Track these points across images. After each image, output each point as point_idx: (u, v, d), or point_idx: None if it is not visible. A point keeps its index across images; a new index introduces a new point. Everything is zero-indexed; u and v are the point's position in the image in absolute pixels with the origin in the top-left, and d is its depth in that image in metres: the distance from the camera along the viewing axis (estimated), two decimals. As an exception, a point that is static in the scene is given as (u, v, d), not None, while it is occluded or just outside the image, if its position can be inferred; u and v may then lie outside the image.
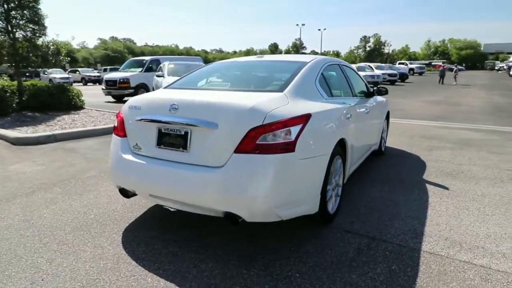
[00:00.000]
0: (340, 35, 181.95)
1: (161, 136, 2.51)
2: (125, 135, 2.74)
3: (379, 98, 4.92)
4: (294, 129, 2.26)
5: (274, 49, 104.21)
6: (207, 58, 78.96)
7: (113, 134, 2.91)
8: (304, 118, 2.35)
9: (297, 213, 2.40)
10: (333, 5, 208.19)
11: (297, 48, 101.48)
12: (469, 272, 2.25)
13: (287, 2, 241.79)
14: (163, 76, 10.71)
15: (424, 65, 42.66)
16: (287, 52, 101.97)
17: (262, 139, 2.17)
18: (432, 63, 58.20)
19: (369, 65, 27.74)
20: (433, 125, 8.34)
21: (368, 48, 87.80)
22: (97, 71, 37.92)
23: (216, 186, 2.23)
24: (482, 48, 74.30)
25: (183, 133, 2.41)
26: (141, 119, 2.59)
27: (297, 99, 2.56)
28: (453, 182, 4.07)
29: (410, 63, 41.10)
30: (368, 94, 4.34)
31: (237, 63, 3.60)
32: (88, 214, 3.17)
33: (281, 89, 2.63)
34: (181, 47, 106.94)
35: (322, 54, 77.25)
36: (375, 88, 4.64)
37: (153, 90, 12.79)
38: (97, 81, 32.32)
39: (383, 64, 33.52)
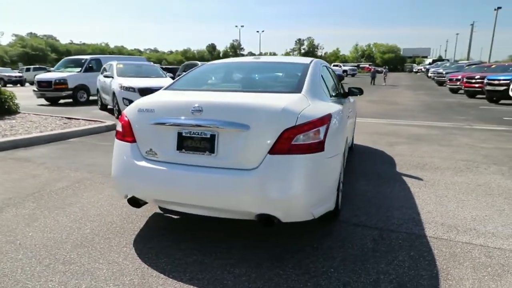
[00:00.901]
0: (276, 37, 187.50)
1: (182, 140, 2.40)
2: (134, 140, 2.56)
3: (351, 98, 5.23)
4: (322, 129, 2.33)
5: (212, 49, 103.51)
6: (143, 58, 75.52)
7: (116, 139, 2.69)
8: (328, 118, 2.43)
9: (324, 210, 2.48)
10: (269, 7, 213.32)
11: (235, 49, 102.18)
12: (474, 252, 2.54)
13: (223, 3, 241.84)
14: (112, 77, 10.01)
15: (355, 67, 46.04)
16: (225, 52, 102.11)
17: (296, 140, 2.20)
18: (360, 66, 62.93)
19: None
20: (383, 123, 9.08)
21: (303, 51, 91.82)
22: (18, 71, 33.97)
23: (251, 188, 2.20)
24: (401, 52, 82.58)
25: (209, 136, 2.33)
26: (157, 123, 2.44)
27: (314, 99, 2.64)
28: (423, 173, 4.51)
29: (344, 65, 44.01)
30: (344, 94, 4.60)
31: (238, 64, 3.56)
32: (83, 229, 2.88)
33: (298, 90, 2.68)
34: (111, 45, 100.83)
35: (260, 55, 78.94)
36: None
37: (98, 92, 11.91)
38: (18, 82, 28.98)
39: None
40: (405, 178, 4.32)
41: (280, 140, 2.20)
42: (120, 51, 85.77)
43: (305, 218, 2.32)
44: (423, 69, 43.33)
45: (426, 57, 78.46)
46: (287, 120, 2.23)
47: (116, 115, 9.52)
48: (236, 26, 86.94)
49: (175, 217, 3.13)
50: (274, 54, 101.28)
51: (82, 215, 3.16)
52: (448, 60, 46.41)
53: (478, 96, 15.71)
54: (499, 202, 3.49)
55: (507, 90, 11.98)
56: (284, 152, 2.20)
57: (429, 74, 31.10)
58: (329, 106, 2.72)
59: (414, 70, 58.49)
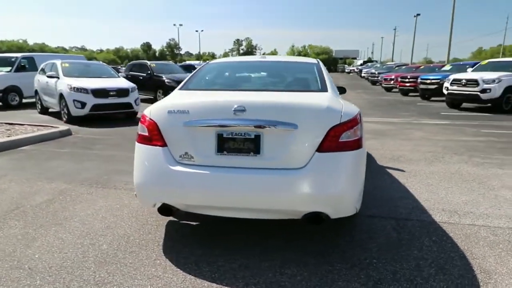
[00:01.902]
0: (215, 37, 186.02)
1: (223, 142, 2.30)
2: (164, 144, 2.39)
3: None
4: (359, 126, 2.42)
5: (147, 48, 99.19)
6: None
7: (139, 144, 2.49)
8: (360, 116, 2.53)
9: (360, 204, 2.57)
10: (209, 7, 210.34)
11: (172, 48, 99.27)
12: (481, 232, 2.84)
13: (160, 0, 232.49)
14: (57, 77, 9.08)
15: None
16: (162, 52, 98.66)
17: (343, 137, 2.26)
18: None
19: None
20: (342, 120, 9.59)
21: (241, 51, 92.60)
22: None
23: (302, 187, 2.21)
24: (334, 54, 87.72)
25: (253, 136, 2.27)
26: (193, 125, 2.31)
27: (339, 98, 2.72)
28: (402, 165, 4.89)
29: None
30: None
31: (249, 63, 3.50)
32: (98, 245, 2.61)
33: (324, 89, 2.74)
34: (30, 42, 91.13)
35: (199, 56, 77.71)
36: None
37: (36, 93, 10.70)
38: None
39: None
40: (389, 170, 4.65)
41: (327, 138, 2.24)
42: (42, 49, 77.84)
43: (351, 213, 2.39)
44: (355, 70, 46.61)
45: (355, 58, 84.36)
46: (332, 118, 2.27)
47: (65, 119, 8.69)
48: (174, 24, 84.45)
49: (194, 223, 2.99)
50: (214, 54, 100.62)
51: (87, 230, 2.85)
52: (376, 62, 50.56)
53: (411, 94, 17.41)
54: (476, 187, 3.94)
55: (438, 88, 13.47)
56: (332, 149, 2.24)
57: (363, 74, 33.50)
58: (350, 104, 2.82)
59: (346, 70, 62.48)
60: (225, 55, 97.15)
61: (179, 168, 2.32)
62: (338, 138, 2.25)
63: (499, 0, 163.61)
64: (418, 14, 41.75)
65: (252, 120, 2.25)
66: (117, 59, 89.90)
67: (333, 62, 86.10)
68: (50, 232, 2.82)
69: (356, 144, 2.32)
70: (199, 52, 74.71)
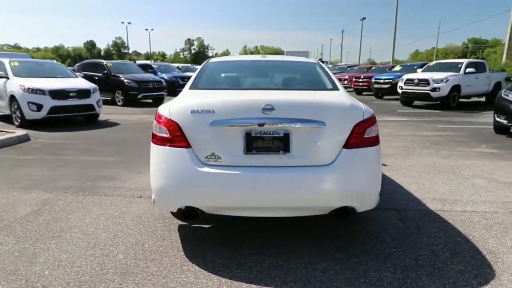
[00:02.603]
0: (166, 36, 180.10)
1: (252, 141, 2.28)
2: (188, 145, 2.30)
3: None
4: (376, 123, 2.53)
5: (91, 47, 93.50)
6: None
7: (158, 146, 2.37)
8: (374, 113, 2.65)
9: None
10: (158, 5, 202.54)
11: (119, 47, 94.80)
12: (473, 217, 3.12)
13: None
14: (6, 77, 8.23)
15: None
16: (107, 51, 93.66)
17: (367, 133, 2.36)
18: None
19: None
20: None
21: (193, 51, 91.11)
22: None
23: (333, 183, 2.27)
24: (285, 55, 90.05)
25: (282, 135, 2.28)
26: (221, 124, 2.26)
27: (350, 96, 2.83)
28: (382, 160, 5.17)
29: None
30: None
31: (254, 63, 3.47)
32: (112, 256, 2.44)
33: (335, 88, 2.82)
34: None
35: (148, 55, 75.02)
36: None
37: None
38: None
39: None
40: (372, 165, 4.89)
41: (353, 135, 2.32)
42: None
43: (374, 206, 2.49)
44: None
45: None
46: (356, 115, 2.35)
47: (17, 123, 7.94)
48: (123, 22, 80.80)
49: (206, 226, 2.91)
50: (164, 54, 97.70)
51: (93, 240, 2.66)
52: (327, 62, 52.65)
53: (364, 93, 18.42)
54: (453, 177, 4.31)
55: (391, 87, 14.42)
56: (358, 145, 2.32)
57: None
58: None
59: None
60: (176, 55, 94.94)
61: (206, 169, 2.25)
62: (362, 134, 2.34)
63: (432, 7, 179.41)
64: (364, 18, 44.26)
65: (282, 119, 2.26)
66: (57, 58, 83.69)
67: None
68: (50, 245, 2.57)
69: (376, 140, 2.43)
70: (150, 52, 72.13)
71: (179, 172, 2.28)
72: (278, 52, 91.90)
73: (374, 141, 2.39)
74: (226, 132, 2.28)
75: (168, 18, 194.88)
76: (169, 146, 2.33)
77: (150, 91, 13.03)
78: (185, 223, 2.95)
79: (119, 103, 12.77)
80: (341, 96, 2.55)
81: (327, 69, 3.23)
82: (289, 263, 2.36)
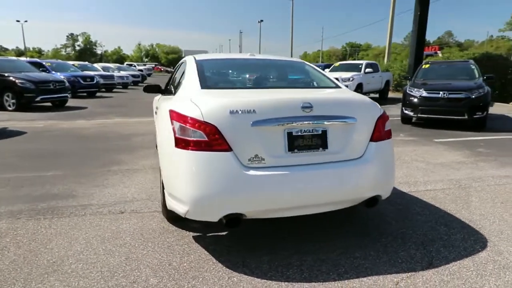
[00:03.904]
0: (43, 29, 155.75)
1: (293, 140, 2.26)
2: (229, 148, 2.15)
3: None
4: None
5: None
6: None
7: (192, 152, 2.15)
8: None
9: None
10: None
11: (-22, 41, 78.91)
12: (439, 194, 3.69)
13: None
14: None
15: (152, 67, 45.61)
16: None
17: (386, 127, 2.58)
18: (147, 65, 62.67)
19: (104, 66, 26.15)
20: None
21: (77, 47, 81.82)
22: None
23: (367, 175, 2.42)
24: (183, 54, 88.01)
25: (320, 132, 2.32)
26: (264, 124, 2.17)
27: None
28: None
29: (138, 65, 42.67)
30: None
31: (249, 61, 3.34)
32: (144, 282, 2.12)
33: (338, 86, 2.98)
34: None
35: (21, 51, 64.25)
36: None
37: None
38: None
39: (110, 65, 32.14)
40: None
41: (376, 129, 2.51)
42: None
43: (390, 193, 2.72)
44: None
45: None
46: (377, 110, 2.55)
47: None
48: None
49: (222, 233, 2.75)
50: (40, 50, 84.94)
51: (104, 268, 2.25)
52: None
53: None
54: (400, 162, 4.97)
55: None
56: (381, 138, 2.52)
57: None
58: None
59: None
60: (56, 51, 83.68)
61: (252, 172, 2.15)
62: (383, 127, 2.55)
63: (318, 14, 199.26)
64: (262, 20, 46.56)
65: (320, 116, 2.30)
66: None
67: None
68: (53, 283, 2.08)
69: (391, 133, 2.67)
70: (25, 47, 61.76)
71: (223, 178, 2.12)
72: (176, 50, 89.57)
73: (390, 134, 2.63)
74: (268, 132, 2.22)
75: (45, 8, 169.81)
76: (207, 150, 2.13)
77: (51, 93, 11.26)
78: (198, 234, 2.73)
79: (10, 108, 10.71)
80: (355, 94, 2.72)
81: (316, 67, 3.38)
82: (330, 256, 2.42)
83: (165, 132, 2.50)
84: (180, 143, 2.21)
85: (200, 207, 2.17)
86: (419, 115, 7.95)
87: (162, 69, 55.43)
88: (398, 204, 3.38)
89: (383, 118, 2.57)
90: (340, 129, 2.39)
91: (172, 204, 2.43)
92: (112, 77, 19.94)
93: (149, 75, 43.40)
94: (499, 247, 2.56)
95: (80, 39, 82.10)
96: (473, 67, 8.73)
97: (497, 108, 11.51)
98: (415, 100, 7.97)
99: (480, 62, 9.31)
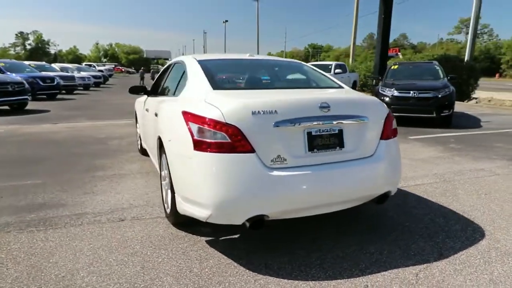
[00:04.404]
0: None
1: (312, 140, 2.28)
2: (252, 150, 2.13)
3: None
4: None
5: None
6: None
7: (213, 154, 2.10)
8: None
9: None
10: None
11: None
12: (428, 188, 3.89)
13: None
14: None
15: (112, 67, 43.74)
16: None
17: (393, 125, 2.68)
18: (106, 66, 60.33)
19: (63, 66, 24.69)
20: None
21: (28, 46, 76.73)
22: None
23: (381, 172, 2.50)
24: (144, 54, 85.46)
25: (337, 131, 2.36)
26: (285, 125, 2.17)
27: None
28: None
29: (98, 65, 40.76)
30: None
31: (253, 61, 3.32)
32: (161, 280, 2.04)
33: (341, 86, 3.05)
34: None
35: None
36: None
37: None
38: None
39: (68, 66, 30.51)
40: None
41: (385, 127, 2.60)
42: None
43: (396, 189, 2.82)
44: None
45: (167, 59, 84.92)
46: (384, 109, 2.64)
47: None
48: None
49: (235, 236, 2.72)
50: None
51: (122, 280, 2.14)
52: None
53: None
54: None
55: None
56: (389, 136, 2.62)
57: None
58: None
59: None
60: (4, 51, 77.84)
61: (276, 173, 2.14)
62: (391, 126, 2.65)
63: (282, 15, 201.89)
64: (226, 21, 46.40)
65: (337, 116, 2.35)
66: None
67: (145, 62, 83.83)
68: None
69: (397, 131, 2.78)
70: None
71: (248, 180, 2.09)
72: (137, 50, 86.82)
73: (396, 132, 2.74)
74: (289, 133, 2.22)
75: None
76: (231, 152, 2.09)
77: (9, 95, 10.45)
78: (210, 238, 2.67)
79: (-38, 112, 9.83)
80: (362, 94, 2.80)
81: (314, 68, 3.43)
82: (347, 253, 2.47)
83: (176, 134, 2.42)
84: (200, 146, 2.15)
85: (225, 210, 2.13)
86: (391, 113, 8.31)
87: (123, 70, 53.46)
88: (396, 199, 3.52)
89: (390, 117, 2.67)
90: (354, 128, 2.45)
91: (188, 209, 2.35)
92: (72, 78, 18.93)
93: (110, 76, 41.73)
94: (495, 235, 2.75)
95: (31, 37, 77.01)
96: (438, 68, 9.30)
97: (455, 106, 12.35)
98: (387, 99, 8.34)
99: (439, 63, 9.92)
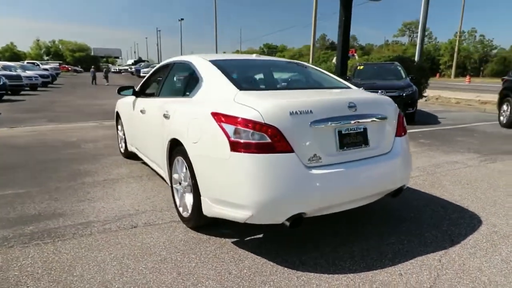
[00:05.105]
0: None
1: (342, 138, 2.37)
2: (292, 150, 2.16)
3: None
4: None
5: None
6: None
7: (251, 155, 2.11)
8: None
9: None
10: None
11: None
12: (418, 181, 4.18)
13: None
14: None
15: (57, 66, 40.66)
16: None
17: (404, 123, 2.86)
18: (51, 64, 56.39)
19: (5, 64, 22.72)
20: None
21: (-43, 42, 68.93)
22: None
23: (400, 167, 2.67)
24: (92, 52, 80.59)
25: (362, 129, 2.48)
26: (320, 125, 2.24)
27: None
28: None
29: (42, 63, 37.69)
30: None
31: (266, 62, 3.32)
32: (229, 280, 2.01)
33: (349, 86, 3.17)
34: None
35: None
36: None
37: None
38: None
39: (10, 64, 28.23)
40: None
41: (399, 125, 2.77)
42: None
43: (407, 183, 3.01)
44: (129, 69, 45.34)
45: (118, 57, 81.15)
46: (396, 108, 2.81)
47: None
48: None
49: (259, 236, 2.73)
50: None
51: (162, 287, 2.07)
52: (148, 61, 50.90)
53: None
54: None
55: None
56: (402, 133, 2.79)
57: (142, 74, 33.31)
58: None
59: (112, 70, 59.24)
60: None
61: (315, 171, 2.20)
62: (403, 123, 2.83)
63: (237, 15, 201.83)
64: (182, 19, 45.41)
65: (363, 115, 2.46)
66: None
67: (93, 61, 79.37)
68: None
69: (406, 128, 2.96)
70: None
71: (289, 179, 2.12)
72: (83, 48, 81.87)
73: (406, 130, 2.92)
74: (322, 132, 2.29)
75: None
76: (270, 153, 2.11)
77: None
78: (235, 239, 2.66)
79: None
80: (376, 94, 2.95)
81: (319, 69, 3.55)
82: (371, 244, 2.60)
83: (205, 136, 2.38)
84: (238, 147, 2.14)
85: (267, 210, 2.14)
86: (361, 111, 8.76)
87: (70, 69, 50.17)
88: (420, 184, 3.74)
89: (401, 115, 2.85)
90: (376, 126, 2.58)
91: (220, 211, 2.33)
92: (19, 77, 17.42)
93: (57, 74, 38.93)
94: (490, 220, 3.05)
95: (-40, 32, 69.21)
96: (400, 68, 9.95)
97: (412, 104, 13.30)
98: (357, 98, 8.75)
99: (394, 63, 10.65)
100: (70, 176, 4.24)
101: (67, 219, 3.01)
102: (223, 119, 2.24)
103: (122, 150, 5.21)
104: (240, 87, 2.55)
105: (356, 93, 2.83)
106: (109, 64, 68.91)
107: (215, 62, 2.94)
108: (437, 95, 16.71)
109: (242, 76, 2.97)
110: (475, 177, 4.32)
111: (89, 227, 2.86)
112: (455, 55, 49.60)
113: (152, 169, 4.01)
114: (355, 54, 30.53)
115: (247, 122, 2.13)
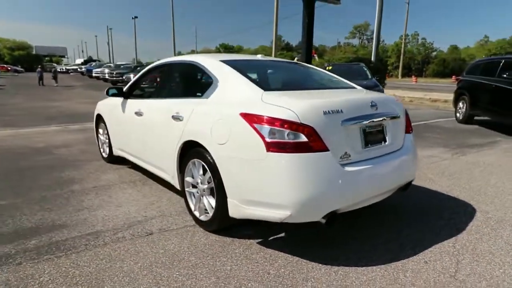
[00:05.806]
0: None
1: (366, 136, 2.48)
2: (327, 148, 2.22)
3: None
4: None
5: None
6: None
7: (288, 154, 2.13)
8: None
9: None
10: None
11: None
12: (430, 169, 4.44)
13: None
14: None
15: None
16: None
17: (411, 121, 3.04)
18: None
19: None
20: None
21: None
22: None
23: (412, 162, 2.84)
24: (34, 51, 74.64)
25: (381, 128, 2.60)
26: (350, 123, 2.33)
27: None
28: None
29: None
30: None
31: (274, 63, 3.28)
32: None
33: (354, 86, 3.30)
34: None
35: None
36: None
37: None
38: None
39: None
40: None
41: (407, 123, 2.94)
42: None
43: (411, 179, 3.19)
44: (78, 69, 42.70)
45: (64, 56, 75.97)
46: (403, 107, 2.98)
47: None
48: None
49: (281, 234, 2.75)
50: None
51: (205, 293, 2.01)
52: (99, 61, 48.25)
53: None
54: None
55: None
56: (410, 131, 2.97)
57: (95, 75, 31.54)
58: None
59: (59, 69, 55.43)
60: None
61: (348, 168, 2.27)
62: (409, 121, 3.00)
63: (192, 14, 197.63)
64: (136, 17, 43.74)
65: (383, 114, 2.59)
66: None
67: (36, 60, 73.65)
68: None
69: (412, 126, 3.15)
70: None
71: (326, 177, 2.17)
72: (24, 46, 75.63)
73: (412, 127, 3.10)
74: (351, 130, 2.38)
75: None
76: (308, 152, 2.15)
77: None
78: (259, 239, 2.66)
79: None
80: (380, 93, 3.11)
81: (321, 69, 3.65)
82: (392, 237, 2.73)
83: (235, 137, 2.35)
84: (274, 147, 2.15)
85: (306, 209, 2.17)
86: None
87: (10, 69, 46.28)
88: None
89: (407, 113, 3.02)
90: (391, 124, 2.72)
91: (254, 211, 2.32)
92: (-44, 78, 15.68)
93: (-5, 75, 35.61)
94: (482, 208, 3.35)
95: None
96: (365, 68, 10.48)
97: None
98: (329, 97, 9.08)
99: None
100: (55, 185, 3.94)
101: (72, 230, 2.80)
102: (255, 119, 2.23)
103: (105, 155, 4.93)
104: (264, 87, 2.54)
105: (371, 93, 2.96)
106: (54, 64, 64.26)
107: (228, 62, 2.91)
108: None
109: (260, 77, 2.97)
110: (454, 170, 4.69)
111: (100, 237, 2.69)
112: (401, 56, 53.12)
113: (148, 173, 3.86)
114: (315, 55, 31.57)
115: (283, 123, 2.14)
